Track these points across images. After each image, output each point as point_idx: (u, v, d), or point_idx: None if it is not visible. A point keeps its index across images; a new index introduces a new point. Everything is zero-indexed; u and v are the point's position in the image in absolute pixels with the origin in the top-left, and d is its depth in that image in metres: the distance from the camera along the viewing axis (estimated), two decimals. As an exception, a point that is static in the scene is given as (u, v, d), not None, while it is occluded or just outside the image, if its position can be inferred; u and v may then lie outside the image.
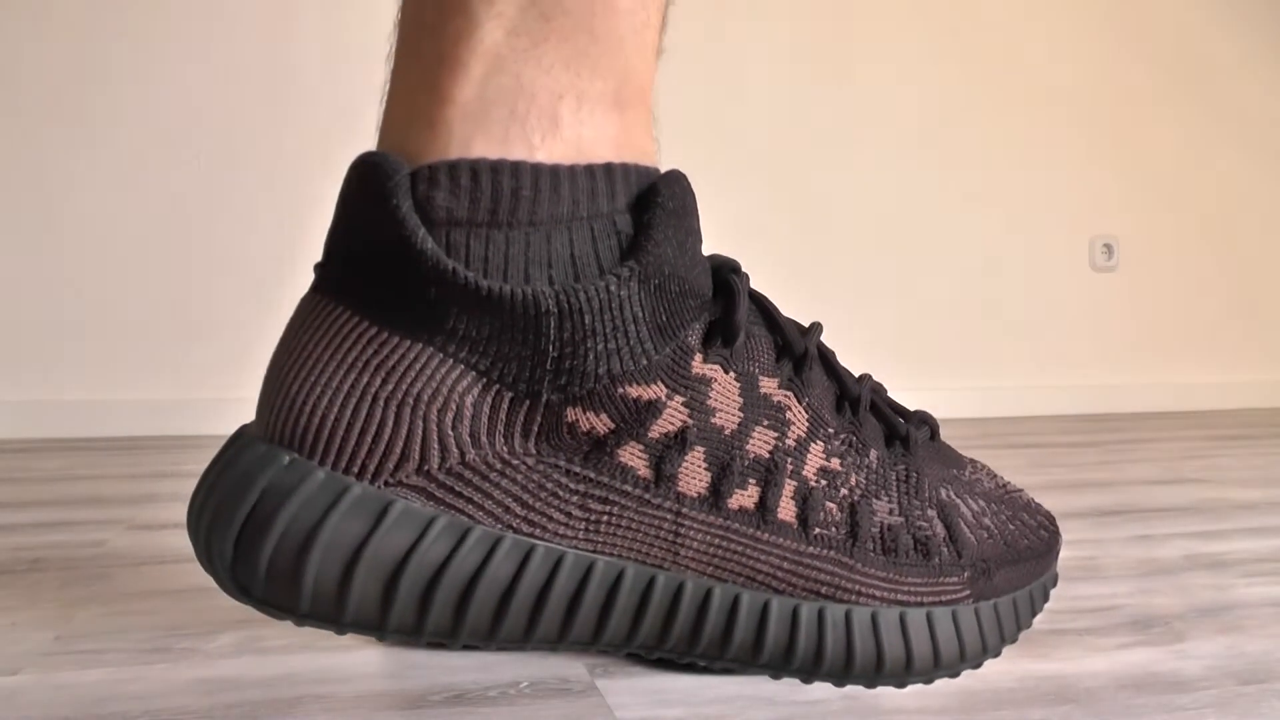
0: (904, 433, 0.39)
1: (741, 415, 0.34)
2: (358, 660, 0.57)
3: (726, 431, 0.34)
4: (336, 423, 0.31)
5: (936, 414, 2.29)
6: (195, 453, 1.57)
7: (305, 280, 1.92)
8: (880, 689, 0.52)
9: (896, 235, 2.31)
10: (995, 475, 0.43)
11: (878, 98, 2.30)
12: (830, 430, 0.37)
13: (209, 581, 0.74)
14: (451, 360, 0.31)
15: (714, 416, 0.33)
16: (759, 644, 0.36)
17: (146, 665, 0.55)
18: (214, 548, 0.32)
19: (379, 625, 0.33)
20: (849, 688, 0.53)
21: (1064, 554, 0.85)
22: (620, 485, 0.33)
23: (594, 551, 0.33)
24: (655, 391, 0.32)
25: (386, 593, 0.32)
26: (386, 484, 0.31)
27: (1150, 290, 2.51)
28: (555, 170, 0.33)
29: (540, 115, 0.33)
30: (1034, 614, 0.41)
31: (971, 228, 2.37)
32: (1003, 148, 2.39)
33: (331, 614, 0.33)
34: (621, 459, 0.32)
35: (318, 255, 1.91)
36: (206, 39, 1.90)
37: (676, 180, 0.36)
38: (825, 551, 0.35)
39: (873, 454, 0.38)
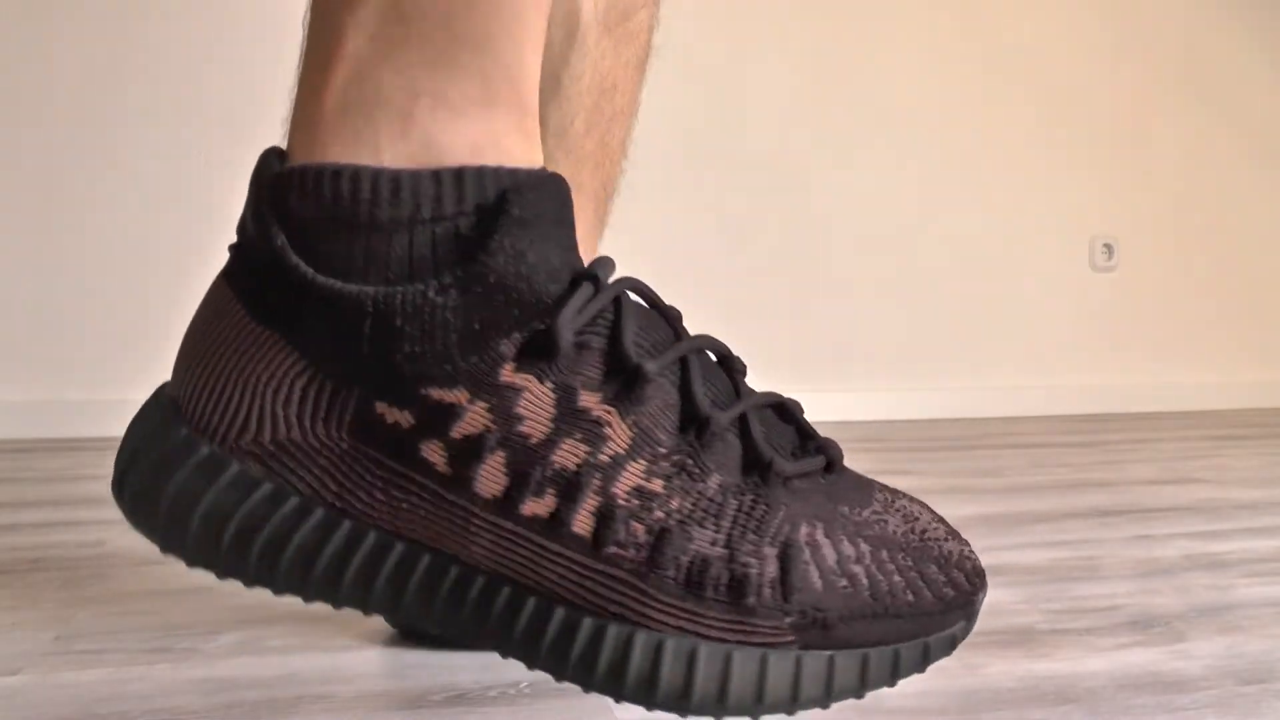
0: (766, 461, 0.36)
1: (550, 426, 0.34)
2: (358, 660, 0.57)
3: (532, 440, 0.34)
4: (199, 390, 0.36)
5: (937, 414, 2.29)
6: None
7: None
8: (881, 689, 0.52)
9: (896, 235, 2.31)
10: (919, 518, 0.39)
11: (878, 98, 2.30)
12: (661, 451, 0.35)
13: (209, 581, 0.74)
14: (289, 348, 0.34)
15: (520, 425, 0.34)
16: (536, 647, 0.35)
17: (146, 665, 0.55)
18: (115, 475, 0.37)
19: (216, 568, 0.36)
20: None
21: (1064, 554, 0.85)
22: (419, 478, 0.34)
23: (394, 534, 0.35)
24: (456, 396, 0.34)
25: (216, 540, 0.35)
26: (231, 449, 0.35)
27: (1150, 290, 2.51)
28: (396, 175, 0.34)
29: (392, 119, 0.35)
30: (898, 674, 0.36)
31: (971, 228, 2.37)
32: (1003, 148, 2.39)
33: (184, 553, 0.36)
34: (423, 454, 0.34)
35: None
36: (209, 40, 1.90)
37: (536, 185, 0.35)
38: (615, 571, 0.35)
39: (712, 480, 0.36)
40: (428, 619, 0.36)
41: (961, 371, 2.36)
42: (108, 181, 1.86)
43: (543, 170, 0.36)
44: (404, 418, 0.34)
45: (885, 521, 0.38)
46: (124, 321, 1.87)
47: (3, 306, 1.82)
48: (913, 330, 2.32)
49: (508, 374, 0.34)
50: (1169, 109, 2.52)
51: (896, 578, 0.36)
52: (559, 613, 0.35)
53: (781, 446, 0.38)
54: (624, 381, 0.35)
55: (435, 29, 0.34)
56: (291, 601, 0.68)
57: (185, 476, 0.35)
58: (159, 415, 0.37)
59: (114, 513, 1.02)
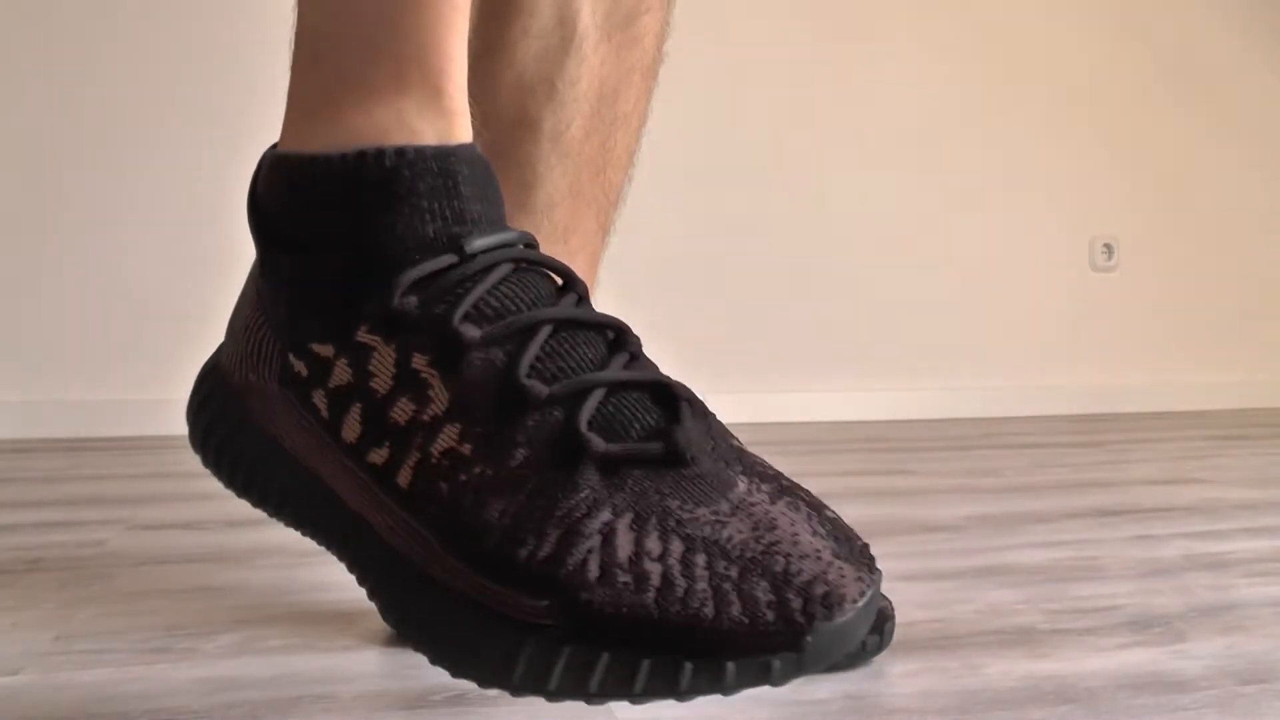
0: (580, 442, 0.35)
1: (391, 384, 0.37)
2: (358, 660, 0.57)
3: (378, 395, 0.37)
4: (229, 336, 0.44)
5: (937, 413, 2.29)
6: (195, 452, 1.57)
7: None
8: (881, 689, 0.52)
9: (897, 235, 2.31)
10: (779, 527, 0.35)
11: (879, 99, 2.30)
12: (476, 416, 0.36)
13: (209, 581, 0.74)
14: (259, 305, 0.41)
15: (372, 380, 0.38)
16: (371, 585, 0.40)
17: (146, 665, 0.55)
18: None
19: (211, 466, 0.45)
20: (849, 688, 0.53)
21: (1064, 554, 0.85)
22: (311, 419, 0.39)
23: (295, 455, 0.41)
24: (327, 351, 0.38)
25: (205, 450, 0.45)
26: (241, 380, 0.43)
27: (1150, 290, 2.51)
28: (311, 158, 0.39)
29: (318, 108, 0.39)
30: (683, 690, 0.33)
31: (972, 227, 2.37)
32: (1003, 148, 2.39)
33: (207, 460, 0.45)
34: (313, 399, 0.39)
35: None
36: (210, 39, 1.90)
37: (418, 161, 0.38)
38: (417, 525, 0.37)
39: (518, 453, 0.36)
40: (303, 524, 0.42)
41: (961, 371, 2.36)
42: (109, 182, 1.86)
43: (439, 147, 0.38)
44: (302, 368, 0.39)
45: (723, 524, 0.34)
46: (124, 322, 1.87)
47: (3, 306, 1.82)
48: (913, 330, 2.32)
49: (363, 334, 0.38)
50: (1169, 109, 2.52)
51: (701, 585, 0.33)
52: (383, 554, 0.38)
53: (627, 430, 0.36)
54: (445, 347, 0.37)
55: (356, 19, 0.39)
56: (291, 602, 0.68)
57: (203, 392, 0.45)
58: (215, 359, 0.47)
59: (114, 512, 1.02)
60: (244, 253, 1.91)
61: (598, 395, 0.36)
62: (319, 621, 0.64)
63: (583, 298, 0.40)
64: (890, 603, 0.58)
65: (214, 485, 1.21)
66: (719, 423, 0.39)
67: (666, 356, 2.16)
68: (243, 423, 0.43)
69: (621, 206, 0.63)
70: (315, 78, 0.40)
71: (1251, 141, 2.59)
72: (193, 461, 1.45)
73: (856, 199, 2.29)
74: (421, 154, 0.38)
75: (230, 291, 1.90)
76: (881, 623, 0.54)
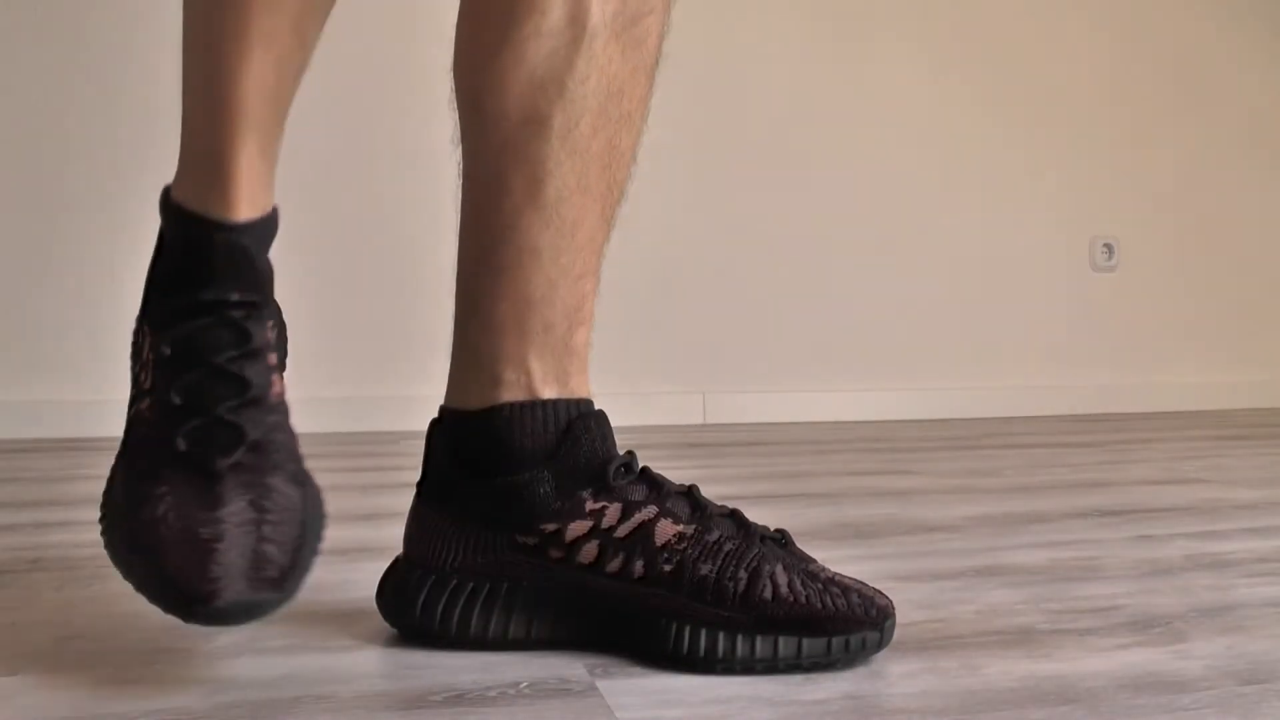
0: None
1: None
2: (358, 660, 0.57)
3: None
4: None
5: (937, 414, 2.30)
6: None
7: (304, 282, 1.92)
8: (881, 689, 0.53)
9: (897, 235, 2.31)
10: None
11: (879, 99, 2.30)
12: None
13: (209, 581, 0.74)
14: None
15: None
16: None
17: (146, 665, 0.55)
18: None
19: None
20: (849, 688, 0.53)
21: (1064, 554, 0.85)
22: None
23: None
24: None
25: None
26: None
27: (1150, 291, 2.51)
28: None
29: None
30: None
31: (972, 228, 2.37)
32: (1003, 148, 2.39)
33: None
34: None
35: (317, 257, 1.91)
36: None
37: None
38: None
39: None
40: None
41: (961, 371, 2.36)
42: (109, 183, 1.86)
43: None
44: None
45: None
46: (124, 322, 1.87)
47: (2, 307, 1.82)
48: (913, 330, 2.32)
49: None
50: (1169, 109, 2.52)
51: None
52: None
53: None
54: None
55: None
56: (291, 601, 0.68)
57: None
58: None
59: (114, 513, 1.02)
60: (244, 253, 1.91)
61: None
62: (319, 621, 0.64)
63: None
64: (890, 601, 0.58)
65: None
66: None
67: (667, 357, 2.16)
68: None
69: (624, 202, 0.64)
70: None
71: (1251, 142, 2.59)
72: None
73: (857, 199, 2.29)
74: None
75: (230, 291, 1.90)
76: (882, 620, 0.56)
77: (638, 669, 0.56)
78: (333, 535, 0.90)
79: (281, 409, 0.59)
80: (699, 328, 2.17)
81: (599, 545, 0.58)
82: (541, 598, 0.59)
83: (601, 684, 0.53)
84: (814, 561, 0.61)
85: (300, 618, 0.64)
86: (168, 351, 0.57)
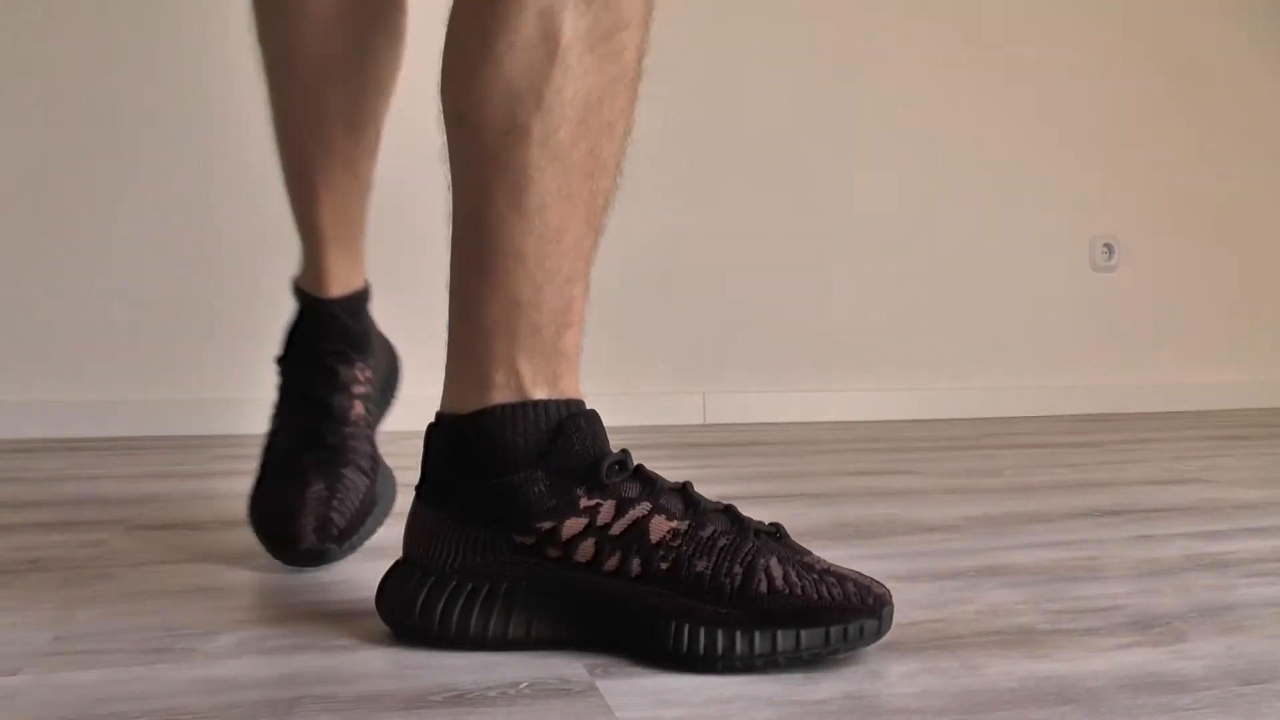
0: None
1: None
2: (358, 660, 0.57)
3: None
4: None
5: (937, 414, 2.30)
6: (195, 453, 1.57)
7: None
8: (881, 689, 0.53)
9: (897, 235, 2.31)
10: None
11: (879, 98, 2.30)
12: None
13: (209, 581, 0.74)
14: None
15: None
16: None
17: (146, 665, 0.55)
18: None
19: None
20: (849, 688, 0.53)
21: (1064, 554, 0.85)
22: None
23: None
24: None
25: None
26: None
27: (1150, 290, 2.51)
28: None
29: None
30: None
31: (972, 228, 2.37)
32: (1003, 148, 2.39)
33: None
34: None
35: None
36: (213, 40, 1.90)
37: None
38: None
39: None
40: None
41: (961, 371, 2.36)
42: (110, 183, 1.86)
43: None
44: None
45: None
46: (124, 322, 1.87)
47: (2, 306, 1.82)
48: (913, 330, 2.32)
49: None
50: (1169, 109, 2.52)
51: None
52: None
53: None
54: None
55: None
56: (291, 602, 0.68)
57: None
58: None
59: (114, 512, 1.02)
60: (241, 253, 1.91)
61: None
62: (319, 621, 0.64)
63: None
64: (887, 590, 0.58)
65: (214, 485, 1.21)
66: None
67: (667, 357, 2.16)
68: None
69: (610, 210, 0.65)
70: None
71: (1252, 141, 2.59)
72: (193, 461, 1.45)
73: (857, 199, 2.29)
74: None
75: (228, 291, 1.91)
76: (879, 608, 0.57)
77: (638, 669, 0.56)
78: (333, 535, 0.90)
79: (359, 423, 0.83)
80: (699, 328, 2.17)
81: (595, 543, 0.59)
82: (541, 598, 0.60)
83: (601, 684, 0.53)
84: (809, 553, 0.61)
85: (300, 618, 0.64)
86: (283, 383, 0.86)
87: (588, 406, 0.64)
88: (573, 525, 0.59)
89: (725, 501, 0.64)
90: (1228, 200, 2.57)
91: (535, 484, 0.60)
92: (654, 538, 0.59)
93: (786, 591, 0.57)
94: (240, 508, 1.05)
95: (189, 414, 1.88)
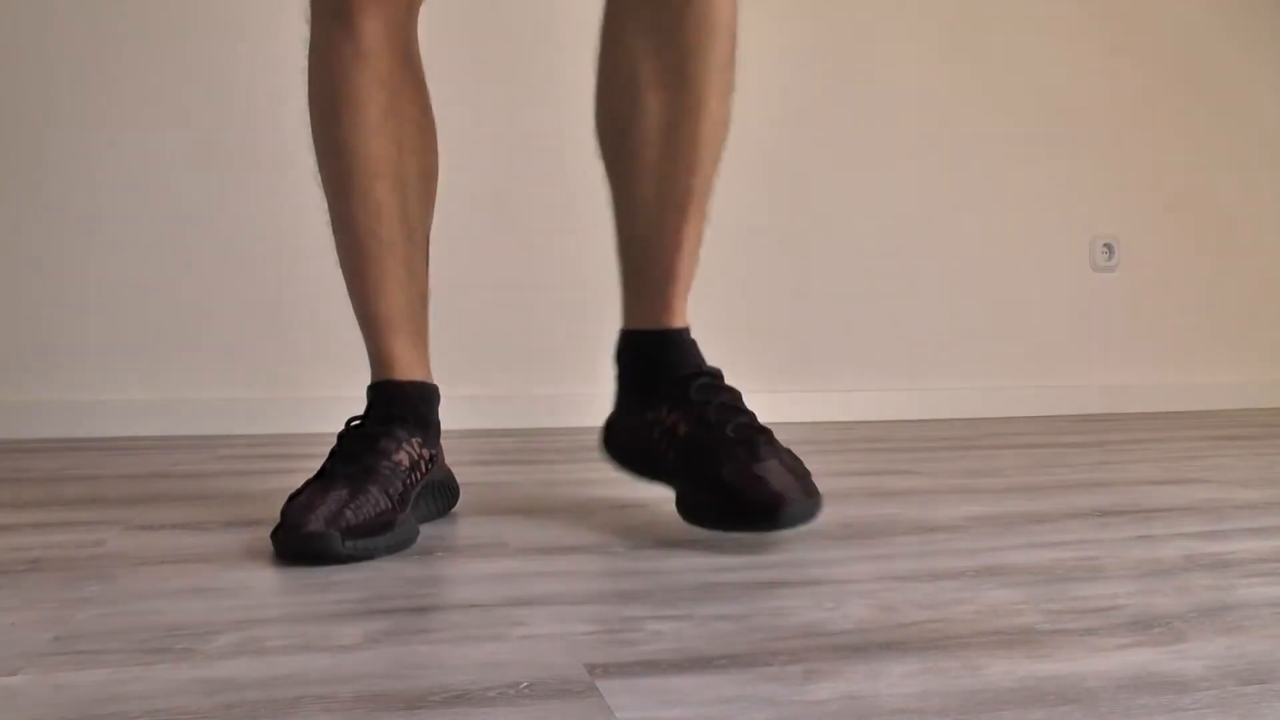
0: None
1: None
2: (358, 660, 0.57)
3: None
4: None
5: (937, 414, 2.30)
6: (195, 453, 1.57)
7: (304, 283, 1.92)
8: (881, 689, 0.53)
9: (897, 235, 2.31)
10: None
11: (879, 98, 2.30)
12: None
13: (209, 582, 0.74)
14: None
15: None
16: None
17: (146, 665, 0.55)
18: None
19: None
20: (849, 688, 0.53)
21: (1064, 554, 0.85)
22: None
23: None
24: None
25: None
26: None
27: (1150, 290, 2.51)
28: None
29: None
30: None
31: (972, 228, 2.37)
32: (1003, 148, 2.39)
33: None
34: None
35: (317, 260, 1.92)
36: (216, 42, 1.90)
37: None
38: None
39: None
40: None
41: (961, 371, 2.36)
42: (108, 182, 1.86)
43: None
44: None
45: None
46: (124, 323, 1.87)
47: (2, 306, 1.82)
48: (913, 330, 2.32)
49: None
50: (1169, 109, 2.52)
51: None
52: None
53: None
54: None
55: None
56: (291, 602, 0.68)
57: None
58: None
59: (114, 513, 1.02)
60: (241, 253, 1.91)
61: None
62: (319, 621, 0.64)
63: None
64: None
65: (214, 485, 1.21)
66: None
67: (666, 356, 2.16)
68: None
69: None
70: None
71: (1251, 142, 2.59)
72: (193, 461, 1.45)
73: (856, 199, 2.29)
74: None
75: (227, 291, 1.91)
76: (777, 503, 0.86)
77: (638, 669, 0.56)
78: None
79: (400, 466, 0.91)
80: (699, 328, 2.17)
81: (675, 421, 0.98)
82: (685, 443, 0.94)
83: (601, 684, 0.53)
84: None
85: (300, 618, 0.64)
86: (342, 432, 0.94)
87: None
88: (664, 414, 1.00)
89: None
90: (1228, 200, 2.57)
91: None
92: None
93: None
94: (241, 507, 1.05)
95: (190, 414, 1.88)
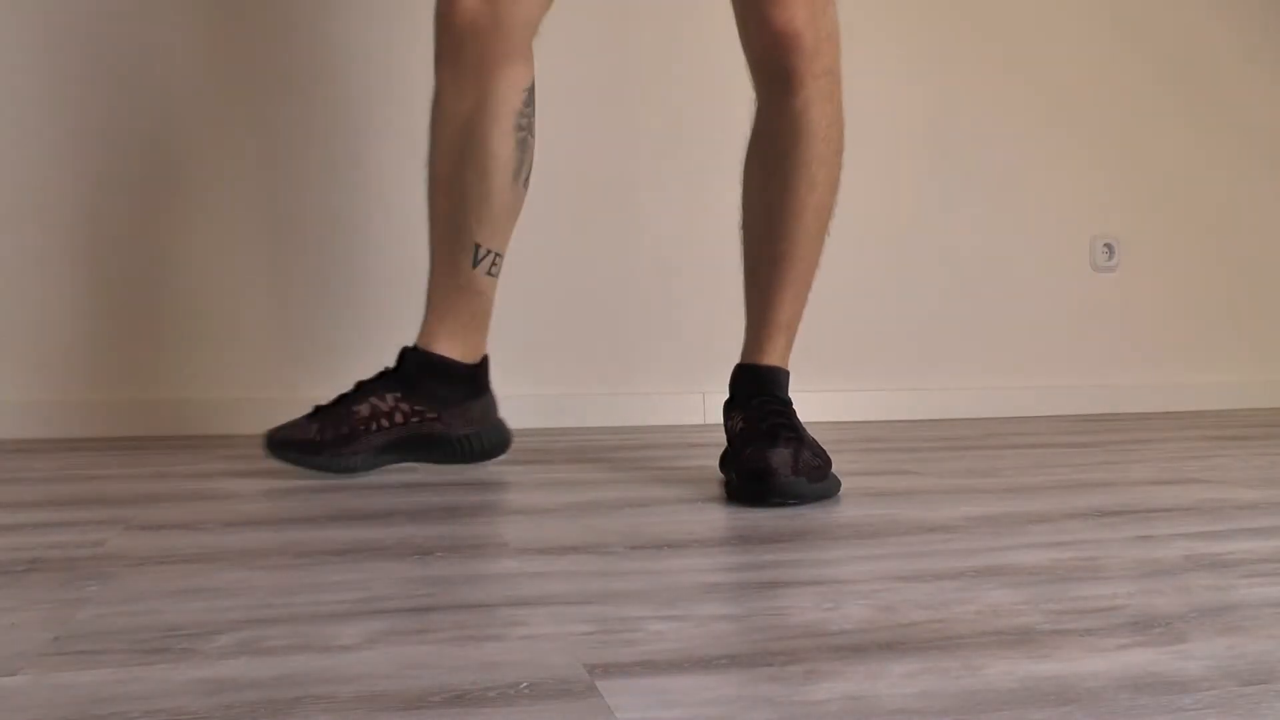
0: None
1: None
2: (358, 660, 0.57)
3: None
4: (463, 423, 1.37)
5: (937, 414, 2.30)
6: (195, 453, 1.57)
7: (303, 283, 1.92)
8: (881, 690, 0.53)
9: (897, 235, 2.31)
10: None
11: (879, 98, 2.30)
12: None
13: (209, 582, 0.74)
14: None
15: None
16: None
17: (146, 665, 0.55)
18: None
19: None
20: (849, 688, 0.53)
21: (1064, 554, 0.85)
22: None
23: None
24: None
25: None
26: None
27: (1150, 290, 2.51)
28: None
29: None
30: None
31: (972, 227, 2.37)
32: (1003, 148, 2.39)
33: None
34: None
35: (315, 260, 1.92)
36: (218, 42, 1.90)
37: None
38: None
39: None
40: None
41: (961, 371, 2.36)
42: (105, 182, 1.86)
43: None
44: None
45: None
46: (124, 322, 1.87)
47: (3, 307, 1.82)
48: (913, 330, 2.32)
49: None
50: (1169, 109, 2.52)
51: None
52: None
53: None
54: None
55: None
56: (291, 602, 0.68)
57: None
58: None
59: (114, 512, 1.02)
60: (244, 254, 1.91)
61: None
62: (319, 621, 0.64)
63: None
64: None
65: (214, 485, 1.21)
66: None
67: (667, 357, 2.16)
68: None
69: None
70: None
71: (1252, 141, 2.59)
72: (193, 461, 1.45)
73: (855, 198, 2.28)
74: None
75: (226, 291, 1.91)
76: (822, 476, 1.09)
77: (638, 669, 0.56)
78: (336, 535, 0.90)
79: (348, 417, 1.22)
80: (699, 328, 2.17)
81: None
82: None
83: (601, 684, 0.53)
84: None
85: (301, 617, 0.64)
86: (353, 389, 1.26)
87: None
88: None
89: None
90: (1228, 200, 2.57)
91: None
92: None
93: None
94: (240, 507, 1.05)
95: (189, 414, 1.88)
